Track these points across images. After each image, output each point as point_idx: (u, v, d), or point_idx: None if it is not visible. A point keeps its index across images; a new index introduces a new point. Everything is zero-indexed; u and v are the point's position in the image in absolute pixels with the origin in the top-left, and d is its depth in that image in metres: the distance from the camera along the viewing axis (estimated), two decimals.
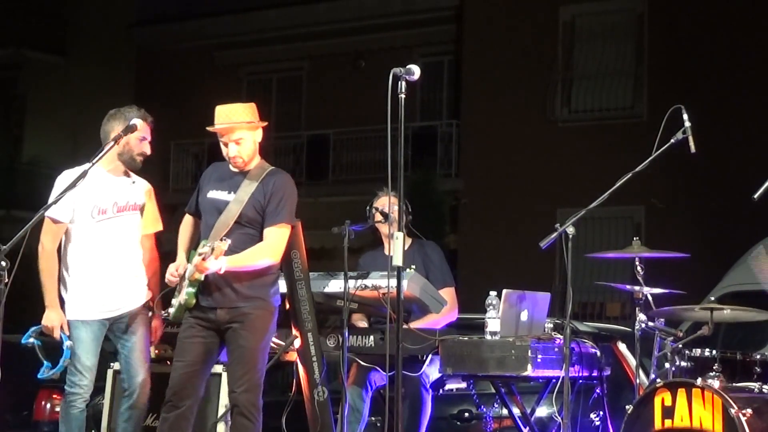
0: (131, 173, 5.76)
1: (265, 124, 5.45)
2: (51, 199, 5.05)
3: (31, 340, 5.75)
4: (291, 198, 5.36)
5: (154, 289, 5.79)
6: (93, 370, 5.60)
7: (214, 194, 5.39)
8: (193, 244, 5.50)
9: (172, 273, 5.36)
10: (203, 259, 5.06)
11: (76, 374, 5.58)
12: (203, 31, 20.92)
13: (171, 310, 5.45)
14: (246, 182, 5.33)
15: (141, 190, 5.78)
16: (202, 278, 5.23)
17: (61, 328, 5.55)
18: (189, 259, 5.39)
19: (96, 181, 5.51)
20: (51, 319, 5.53)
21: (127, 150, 5.61)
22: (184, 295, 5.29)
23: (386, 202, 5.95)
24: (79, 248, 5.59)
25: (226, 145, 5.35)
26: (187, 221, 5.60)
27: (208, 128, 5.40)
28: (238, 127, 5.32)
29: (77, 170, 5.22)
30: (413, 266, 6.20)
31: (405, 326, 5.43)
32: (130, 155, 5.64)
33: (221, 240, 5.07)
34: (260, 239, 5.29)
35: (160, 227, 5.89)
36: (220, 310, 5.28)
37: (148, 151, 5.71)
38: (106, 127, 5.65)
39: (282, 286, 5.89)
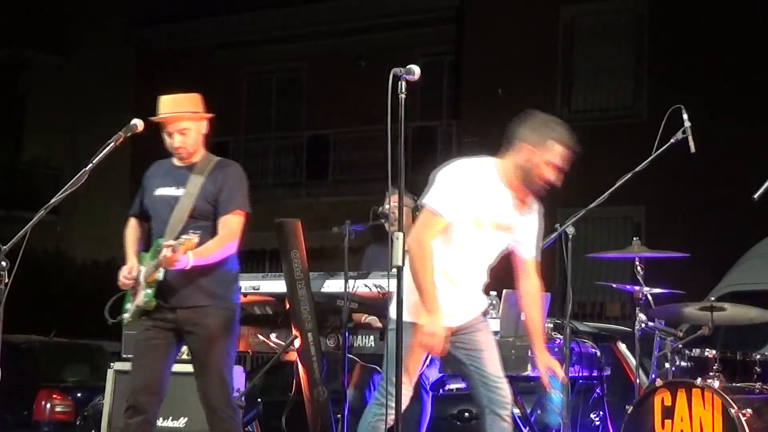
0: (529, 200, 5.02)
1: (211, 115, 5.37)
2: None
3: None
4: (242, 185, 5.26)
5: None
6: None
7: (162, 191, 5.28)
8: (142, 247, 5.37)
9: (125, 276, 5.21)
10: (175, 251, 4.93)
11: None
12: (203, 30, 20.91)
13: (126, 315, 5.29)
14: (194, 175, 5.23)
15: (534, 218, 5.10)
16: (161, 278, 5.11)
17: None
18: (140, 262, 5.26)
19: (494, 191, 4.97)
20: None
21: (531, 167, 4.89)
22: (143, 298, 5.14)
23: (395, 202, 5.92)
24: (451, 251, 5.00)
25: (170, 135, 5.24)
26: (133, 224, 5.44)
27: (151, 118, 5.28)
28: (184, 118, 5.24)
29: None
30: None
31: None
32: (529, 174, 4.90)
33: (190, 233, 4.95)
34: (214, 230, 5.17)
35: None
36: (180, 310, 5.15)
37: (551, 177, 4.89)
38: (524, 131, 4.91)
39: (282, 286, 5.90)
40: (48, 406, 10.75)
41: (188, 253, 4.97)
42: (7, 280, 4.58)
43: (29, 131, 22.47)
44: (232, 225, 5.18)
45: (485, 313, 5.19)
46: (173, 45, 21.21)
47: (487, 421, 5.00)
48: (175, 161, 5.33)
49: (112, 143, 5.18)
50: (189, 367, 5.33)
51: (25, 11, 21.34)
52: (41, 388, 10.88)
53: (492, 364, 5.03)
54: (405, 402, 5.05)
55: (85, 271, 19.94)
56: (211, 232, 5.16)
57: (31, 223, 4.78)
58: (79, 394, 10.78)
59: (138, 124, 5.24)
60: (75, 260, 20.24)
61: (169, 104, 5.30)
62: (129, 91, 21.55)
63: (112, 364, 6.60)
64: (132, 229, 5.45)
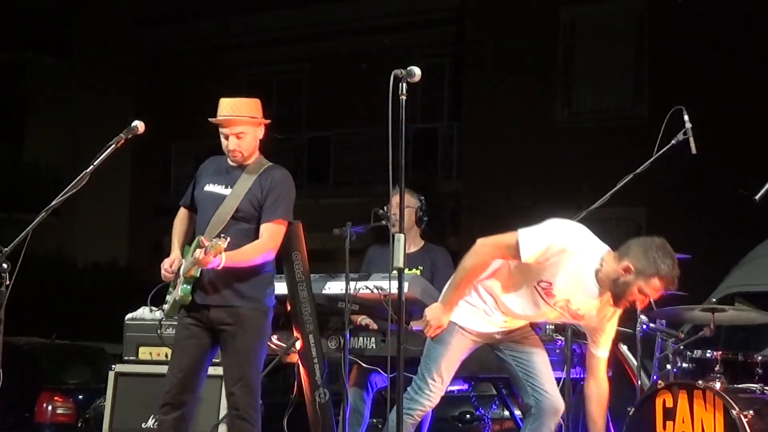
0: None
1: (268, 121, 5.43)
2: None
3: None
4: (289, 195, 5.31)
5: None
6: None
7: (211, 188, 5.34)
8: (188, 239, 5.42)
9: (166, 269, 5.28)
10: (206, 253, 5.00)
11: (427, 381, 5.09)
12: (204, 32, 20.91)
13: (166, 306, 5.40)
14: (244, 177, 5.29)
15: (614, 321, 5.08)
16: (198, 275, 5.17)
17: None
18: (183, 255, 5.32)
19: (583, 279, 4.89)
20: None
21: (624, 286, 4.80)
22: (180, 292, 5.22)
23: (397, 203, 5.91)
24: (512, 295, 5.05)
25: (226, 137, 5.30)
26: (182, 215, 5.50)
27: (210, 119, 5.35)
28: (241, 122, 5.29)
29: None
30: (420, 267, 6.21)
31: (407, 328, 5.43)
32: (620, 290, 4.81)
33: (220, 237, 5.01)
34: (256, 234, 5.23)
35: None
36: (214, 309, 5.21)
37: (638, 303, 4.92)
38: (635, 252, 4.79)
39: (283, 287, 5.90)
40: (49, 408, 10.74)
41: (221, 254, 5.02)
42: (8, 282, 4.58)
43: (30, 133, 22.45)
44: (272, 233, 5.23)
45: (534, 325, 5.25)
46: (174, 47, 21.22)
47: (529, 422, 5.06)
48: (229, 160, 5.38)
49: (113, 145, 5.17)
50: None
51: (25, 13, 21.33)
52: (42, 390, 10.86)
53: (542, 368, 5.12)
54: (436, 401, 5.07)
55: (86, 273, 19.94)
56: (251, 235, 5.22)
57: (31, 225, 4.78)
58: (80, 396, 10.77)
59: (139, 125, 5.23)
60: (76, 262, 20.24)
61: (228, 107, 5.33)
62: (130, 92, 21.56)
63: (113, 366, 6.60)
64: (180, 220, 5.51)
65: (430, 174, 17.22)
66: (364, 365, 5.94)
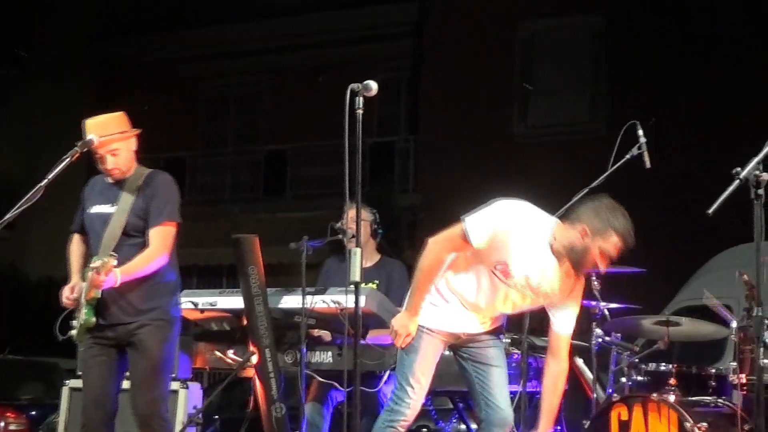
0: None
1: (139, 131, 5.40)
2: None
3: None
4: (172, 196, 5.29)
5: None
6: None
7: (97, 209, 5.32)
8: (86, 263, 5.35)
9: (67, 296, 5.24)
10: (98, 274, 4.99)
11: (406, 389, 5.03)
12: (162, 45, 20.80)
13: (73, 332, 5.33)
14: (126, 191, 5.27)
15: (577, 294, 5.04)
16: (99, 295, 5.14)
17: None
18: (83, 278, 5.26)
19: (538, 252, 4.86)
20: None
21: (582, 249, 4.77)
22: (84, 316, 5.18)
23: (352, 216, 5.90)
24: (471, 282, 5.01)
25: (102, 158, 5.27)
26: (75, 241, 5.45)
27: (77, 143, 5.31)
28: (113, 140, 5.26)
29: None
30: (377, 281, 6.21)
31: (363, 342, 5.43)
32: (579, 255, 4.78)
33: (109, 256, 5.02)
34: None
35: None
36: (119, 327, 5.20)
37: (599, 265, 4.83)
38: (587, 213, 4.83)
39: (239, 302, 5.88)
40: (2, 424, 10.63)
41: (115, 271, 5.01)
42: None
43: None
44: (160, 238, 5.20)
45: (498, 332, 5.21)
46: (131, 59, 21.06)
47: None
48: (108, 178, 5.35)
49: (68, 158, 5.15)
50: None
51: None
52: None
53: (498, 383, 5.08)
54: (417, 408, 5.04)
55: (41, 287, 19.72)
56: (145, 247, 5.18)
57: None
58: (33, 412, 10.68)
59: (94, 139, 5.21)
60: (30, 277, 20.04)
61: (96, 128, 5.29)
62: (86, 105, 21.39)
63: (66, 381, 6.54)
64: (75, 246, 5.46)
65: (386, 188, 17.23)
66: (321, 380, 5.92)
